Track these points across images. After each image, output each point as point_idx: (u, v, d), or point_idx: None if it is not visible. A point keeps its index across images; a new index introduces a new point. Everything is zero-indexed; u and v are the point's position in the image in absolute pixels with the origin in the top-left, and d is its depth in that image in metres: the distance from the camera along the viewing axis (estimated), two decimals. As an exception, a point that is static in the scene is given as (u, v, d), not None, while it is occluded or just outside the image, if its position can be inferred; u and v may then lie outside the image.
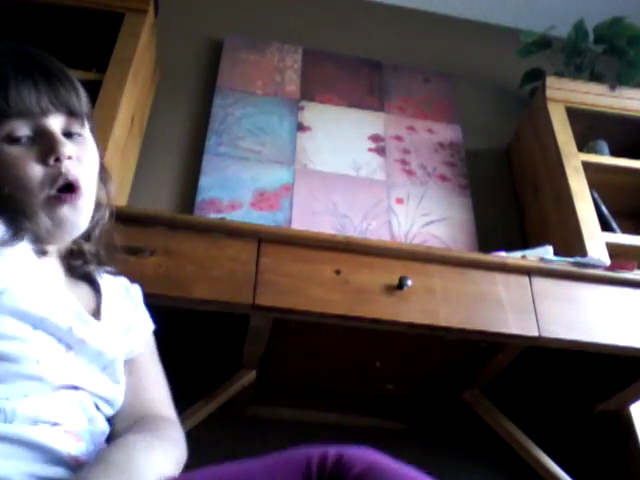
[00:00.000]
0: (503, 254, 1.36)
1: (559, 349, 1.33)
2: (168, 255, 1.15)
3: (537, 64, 2.16)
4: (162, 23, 1.95)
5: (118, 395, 0.79)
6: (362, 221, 1.84)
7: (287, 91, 2.09)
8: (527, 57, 2.15)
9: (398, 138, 2.08)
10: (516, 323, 1.23)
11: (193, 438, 1.34)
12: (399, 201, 1.92)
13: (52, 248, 0.78)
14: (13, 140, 0.73)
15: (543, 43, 2.11)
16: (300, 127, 2.01)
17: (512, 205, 2.04)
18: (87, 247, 0.84)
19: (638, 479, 1.51)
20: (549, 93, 1.93)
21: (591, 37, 2.07)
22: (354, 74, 2.21)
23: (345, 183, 1.92)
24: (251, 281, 1.16)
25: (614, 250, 1.62)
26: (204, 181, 1.81)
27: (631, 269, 1.34)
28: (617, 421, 1.58)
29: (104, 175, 0.87)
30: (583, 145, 1.93)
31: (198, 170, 1.84)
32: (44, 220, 0.72)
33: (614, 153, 1.94)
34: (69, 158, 0.75)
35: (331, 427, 1.62)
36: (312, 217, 1.81)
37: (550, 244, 1.47)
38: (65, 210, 0.74)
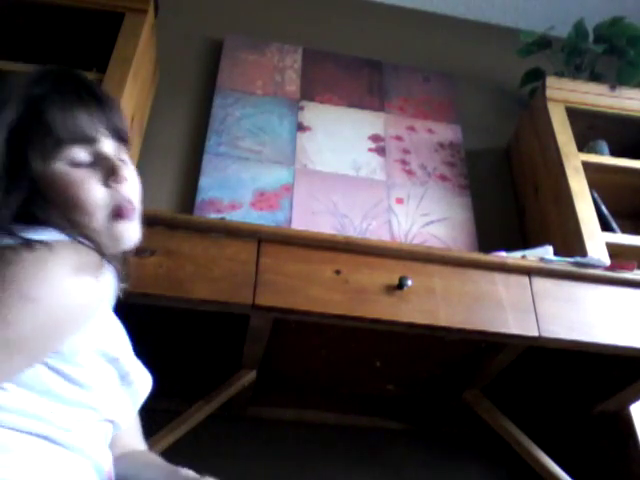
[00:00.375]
0: (503, 254, 1.36)
1: (559, 349, 1.33)
2: (168, 255, 1.15)
3: (537, 64, 2.16)
4: (162, 23, 1.95)
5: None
6: (362, 221, 1.84)
7: (287, 91, 2.09)
8: (527, 57, 2.15)
9: (398, 138, 2.08)
10: (516, 323, 1.23)
11: (193, 438, 1.35)
12: (399, 201, 1.92)
13: None
14: (75, 164, 0.77)
15: (543, 43, 2.11)
16: (300, 127, 2.01)
17: (512, 205, 2.04)
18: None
19: (638, 479, 1.51)
20: (549, 93, 1.93)
21: (591, 37, 2.07)
22: (354, 74, 2.21)
23: (345, 183, 1.92)
24: (251, 281, 1.16)
25: (614, 250, 1.62)
26: (204, 181, 1.81)
27: (631, 269, 1.34)
28: (617, 421, 1.58)
29: None
30: (583, 145, 1.93)
31: (198, 170, 1.84)
32: (105, 238, 0.77)
33: (614, 153, 1.94)
34: (125, 180, 0.80)
35: (331, 427, 1.62)
36: (312, 217, 1.81)
37: (550, 244, 1.47)
38: (125, 225, 0.79)
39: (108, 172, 0.79)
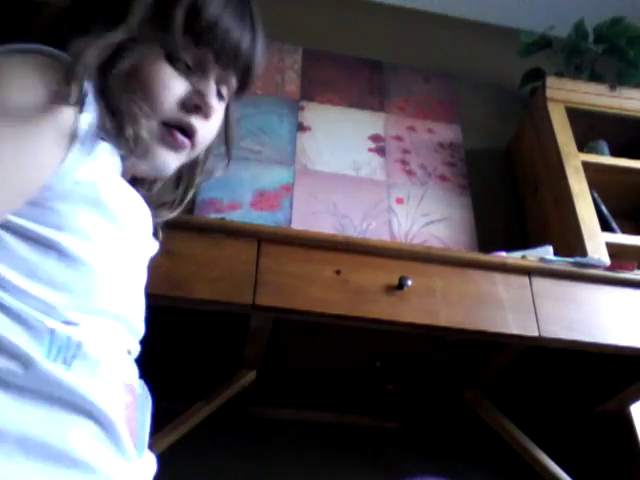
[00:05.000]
0: (503, 254, 1.36)
1: (559, 349, 1.33)
2: (168, 255, 1.15)
3: (537, 64, 2.15)
4: (162, 23, 1.95)
5: None
6: (362, 221, 1.84)
7: (287, 91, 2.09)
8: (527, 57, 2.15)
9: (398, 138, 2.08)
10: (516, 323, 1.23)
11: (193, 438, 1.35)
12: (399, 201, 1.92)
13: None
14: (174, 58, 0.69)
15: (543, 43, 2.10)
16: (300, 127, 2.01)
17: (512, 205, 2.04)
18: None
19: (638, 479, 1.51)
20: (549, 93, 1.93)
21: (591, 37, 2.07)
22: (354, 74, 2.21)
23: (345, 183, 1.92)
24: (251, 281, 1.16)
25: (614, 250, 1.62)
26: (204, 181, 1.81)
27: (631, 269, 1.34)
28: (617, 421, 1.58)
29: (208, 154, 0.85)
30: (583, 145, 1.93)
31: (198, 170, 1.84)
32: (145, 144, 0.68)
33: (614, 153, 1.94)
34: (205, 115, 0.72)
35: (331, 427, 1.62)
36: (312, 217, 1.81)
37: (550, 244, 1.47)
38: (167, 147, 0.71)
39: (197, 92, 0.71)
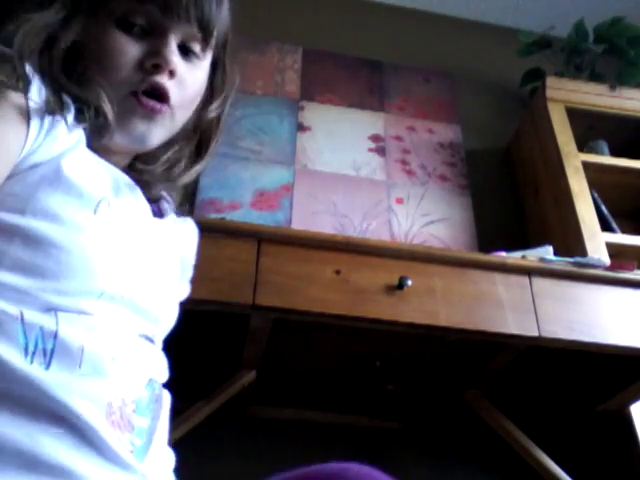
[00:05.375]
0: (503, 254, 1.36)
1: (559, 349, 1.33)
2: (168, 255, 1.15)
3: (537, 64, 2.15)
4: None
5: None
6: (362, 221, 1.84)
7: (287, 91, 2.09)
8: (527, 57, 2.15)
9: (398, 138, 2.08)
10: (516, 323, 1.23)
11: (193, 438, 1.35)
12: (399, 201, 1.92)
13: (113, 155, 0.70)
14: (125, 25, 0.65)
15: (543, 43, 2.10)
16: (300, 127, 2.01)
17: (512, 205, 2.04)
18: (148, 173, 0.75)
19: (638, 479, 1.51)
20: (549, 93, 1.93)
21: (591, 37, 2.07)
22: (354, 74, 2.21)
23: (345, 183, 1.92)
24: (251, 281, 1.16)
25: (614, 250, 1.62)
26: (204, 181, 1.81)
27: (631, 269, 1.34)
28: (617, 421, 1.58)
29: (210, 124, 0.79)
30: (583, 145, 1.93)
31: (198, 170, 1.84)
32: (113, 117, 0.64)
33: (614, 153, 1.94)
34: (170, 74, 0.67)
35: (331, 427, 1.62)
36: (312, 217, 1.81)
37: (550, 244, 1.47)
38: (139, 116, 0.66)
39: (153, 50, 0.66)
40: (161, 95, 0.67)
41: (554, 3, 2.46)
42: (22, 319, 0.53)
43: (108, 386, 0.56)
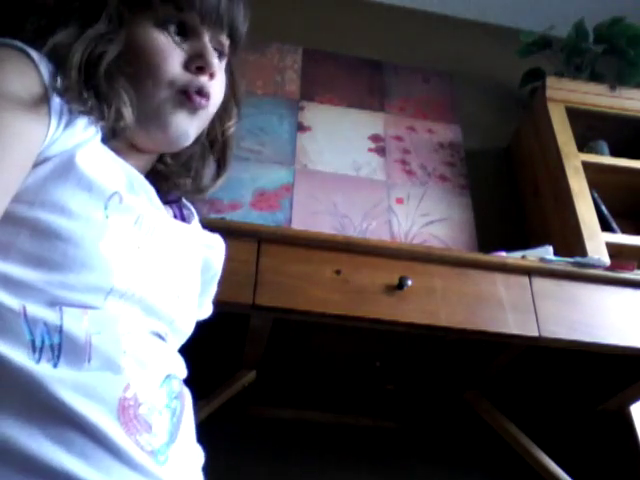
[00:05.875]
0: (503, 254, 1.36)
1: (559, 349, 1.33)
2: (168, 255, 1.15)
3: (537, 64, 2.15)
4: (162, 23, 1.94)
5: None
6: (362, 221, 1.84)
7: (287, 91, 2.09)
8: (527, 57, 2.15)
9: (398, 138, 2.08)
10: (516, 323, 1.23)
11: (193, 438, 1.35)
12: (399, 201, 1.92)
13: (138, 158, 0.72)
14: (163, 27, 0.69)
15: (543, 43, 2.10)
16: (300, 127, 2.01)
17: (512, 205, 2.04)
18: (174, 171, 0.78)
19: (638, 479, 1.51)
20: (549, 93, 1.93)
21: (591, 37, 2.07)
22: (354, 74, 2.21)
23: (345, 183, 1.92)
24: (251, 281, 1.16)
25: (614, 250, 1.62)
26: (204, 181, 1.81)
27: (631, 269, 1.34)
28: (617, 421, 1.58)
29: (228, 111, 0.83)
30: (583, 145, 1.93)
31: (198, 170, 1.84)
32: (153, 122, 0.68)
33: (614, 153, 1.94)
34: (211, 76, 0.72)
35: (331, 427, 1.62)
36: (312, 217, 1.81)
37: (550, 244, 1.47)
38: (186, 112, 0.70)
39: (197, 53, 0.71)
40: (204, 94, 0.71)
41: (554, 3, 2.46)
42: (25, 314, 0.51)
43: (120, 382, 0.54)
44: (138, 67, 0.68)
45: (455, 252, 1.50)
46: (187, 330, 0.74)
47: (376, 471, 1.58)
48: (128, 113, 0.66)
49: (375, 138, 2.06)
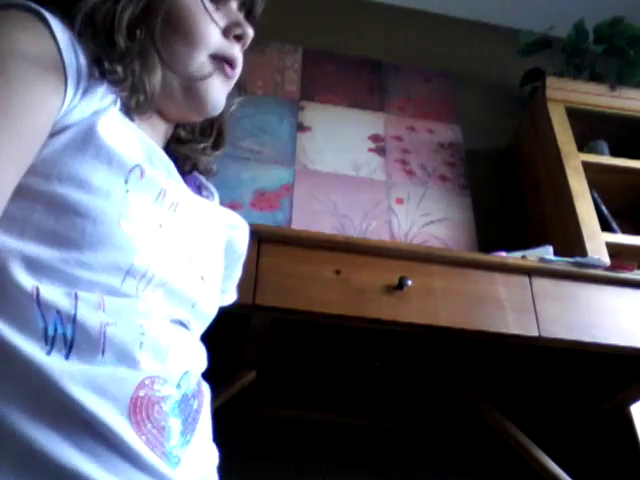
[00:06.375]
0: (503, 254, 1.36)
1: (559, 349, 1.33)
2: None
3: (537, 64, 2.15)
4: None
5: None
6: (362, 221, 1.84)
7: (287, 91, 2.09)
8: (527, 57, 2.15)
9: (398, 138, 2.08)
10: (516, 323, 1.23)
11: (193, 438, 1.35)
12: (399, 201, 1.92)
13: (160, 118, 0.70)
14: None
15: (543, 43, 2.11)
16: (300, 127, 2.01)
17: (512, 205, 2.04)
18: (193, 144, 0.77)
19: (638, 479, 1.51)
20: (549, 93, 1.93)
21: (591, 37, 2.07)
22: (354, 74, 2.21)
23: (345, 183, 1.92)
24: (251, 281, 1.16)
25: (614, 250, 1.62)
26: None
27: (631, 269, 1.34)
28: (617, 421, 1.58)
29: None
30: (583, 145, 1.93)
31: (198, 170, 1.84)
32: (183, 91, 0.67)
33: (614, 153, 1.94)
34: (243, 45, 0.72)
35: (331, 427, 1.62)
36: (312, 217, 1.81)
37: (550, 244, 1.47)
38: (221, 79, 0.69)
39: (235, 22, 0.70)
40: (234, 63, 0.71)
41: (554, 3, 2.46)
42: (38, 297, 0.48)
43: (134, 378, 0.51)
44: (173, 29, 0.65)
45: (455, 252, 1.50)
46: (211, 313, 0.69)
47: (376, 471, 1.58)
48: (157, 84, 0.64)
49: (375, 138, 2.06)
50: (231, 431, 1.54)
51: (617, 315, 1.29)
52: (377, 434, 1.64)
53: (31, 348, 0.47)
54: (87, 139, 0.54)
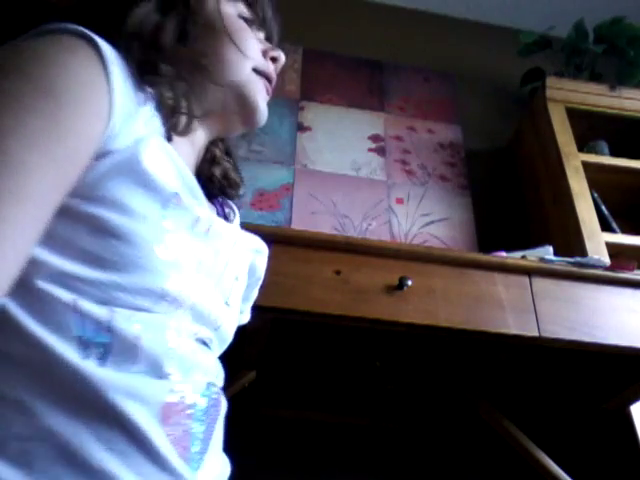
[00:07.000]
0: (503, 254, 1.36)
1: (559, 349, 1.33)
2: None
3: (537, 64, 2.16)
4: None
5: None
6: (362, 221, 1.84)
7: (287, 91, 2.09)
8: (527, 57, 2.15)
9: (398, 138, 2.08)
10: (516, 323, 1.23)
11: (193, 438, 1.35)
12: (399, 201, 1.92)
13: (202, 134, 0.73)
14: (242, 17, 0.73)
15: (543, 43, 2.11)
16: (300, 127, 2.01)
17: (512, 205, 2.04)
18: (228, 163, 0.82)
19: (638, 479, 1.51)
20: (549, 93, 1.93)
21: (591, 37, 2.07)
22: (354, 74, 2.21)
23: (345, 183, 1.92)
24: (251, 281, 1.16)
25: (614, 250, 1.62)
26: (204, 181, 1.81)
27: (631, 269, 1.34)
28: (618, 421, 1.58)
29: None
30: (583, 145, 1.93)
31: (198, 170, 1.84)
32: (232, 101, 0.71)
33: (614, 153, 1.94)
34: (276, 69, 0.77)
35: (330, 427, 1.62)
36: (312, 217, 1.81)
37: (550, 244, 1.47)
38: (264, 94, 0.74)
39: (272, 49, 0.76)
40: (273, 81, 0.76)
41: (554, 3, 2.46)
42: (76, 308, 0.50)
43: (164, 387, 0.54)
44: (222, 41, 0.69)
45: (455, 252, 1.49)
46: (230, 336, 0.73)
47: (376, 471, 1.58)
48: (204, 103, 0.68)
49: (375, 138, 2.06)
50: (230, 431, 1.54)
51: (617, 315, 1.29)
52: (377, 434, 1.64)
53: (68, 352, 0.49)
54: (130, 165, 0.55)
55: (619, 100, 1.96)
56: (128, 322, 0.52)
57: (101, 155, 0.54)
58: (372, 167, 1.98)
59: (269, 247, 1.21)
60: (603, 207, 1.81)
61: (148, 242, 0.54)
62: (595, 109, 1.96)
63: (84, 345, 0.50)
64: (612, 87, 1.98)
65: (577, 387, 1.59)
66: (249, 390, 1.46)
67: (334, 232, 1.74)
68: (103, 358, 0.50)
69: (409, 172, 2.00)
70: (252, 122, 0.75)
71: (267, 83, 0.74)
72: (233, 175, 0.82)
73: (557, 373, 1.59)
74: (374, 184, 1.94)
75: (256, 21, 0.75)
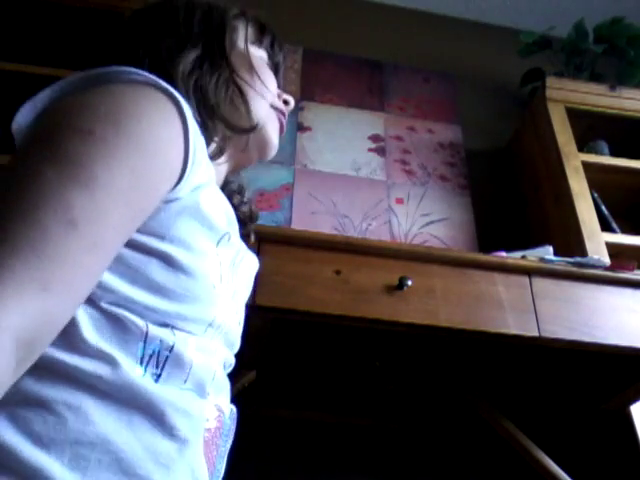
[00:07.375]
0: (503, 254, 1.36)
1: (559, 349, 1.33)
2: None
3: (537, 64, 2.16)
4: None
5: None
6: (362, 221, 1.84)
7: (287, 91, 2.09)
8: (527, 57, 2.15)
9: (398, 138, 2.08)
10: (516, 323, 1.23)
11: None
12: (399, 201, 1.92)
13: (224, 166, 0.78)
14: (258, 46, 0.81)
15: (543, 43, 2.11)
16: (300, 127, 2.01)
17: (512, 205, 2.04)
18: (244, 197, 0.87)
19: (638, 479, 1.51)
20: (549, 93, 1.93)
21: (591, 37, 2.07)
22: (354, 74, 2.21)
23: (345, 183, 1.92)
24: (251, 281, 1.16)
25: (614, 250, 1.62)
26: (204, 181, 1.81)
27: (631, 269, 1.34)
28: (618, 421, 1.58)
29: None
30: (583, 145, 1.93)
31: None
32: (260, 130, 0.76)
33: (614, 153, 1.94)
34: (287, 111, 0.84)
35: (330, 427, 1.62)
36: (312, 217, 1.81)
37: (550, 244, 1.47)
38: (278, 131, 0.81)
39: (285, 92, 0.83)
40: (286, 119, 0.84)
41: (554, 3, 2.46)
42: (147, 332, 0.55)
43: (205, 407, 0.59)
44: (250, 78, 0.76)
45: (455, 252, 1.49)
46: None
47: (376, 471, 1.58)
48: (230, 146, 0.74)
49: (375, 138, 2.06)
50: (231, 431, 1.54)
51: (617, 315, 1.29)
52: (377, 434, 1.64)
53: (128, 365, 0.53)
54: (194, 209, 0.60)
55: (619, 100, 1.96)
56: (185, 344, 0.57)
57: (170, 200, 0.59)
58: (372, 167, 1.98)
59: (270, 247, 1.21)
60: (603, 207, 1.81)
61: (206, 277, 0.60)
62: (595, 109, 1.96)
63: (144, 361, 0.54)
64: (612, 87, 1.98)
65: (577, 387, 1.59)
66: (249, 390, 1.46)
67: (334, 232, 1.74)
68: (160, 374, 0.55)
69: (409, 172, 2.00)
70: (266, 156, 0.82)
71: (282, 117, 0.81)
72: (253, 208, 0.88)
73: (557, 373, 1.59)
74: (374, 184, 1.94)
75: (272, 67, 0.83)
